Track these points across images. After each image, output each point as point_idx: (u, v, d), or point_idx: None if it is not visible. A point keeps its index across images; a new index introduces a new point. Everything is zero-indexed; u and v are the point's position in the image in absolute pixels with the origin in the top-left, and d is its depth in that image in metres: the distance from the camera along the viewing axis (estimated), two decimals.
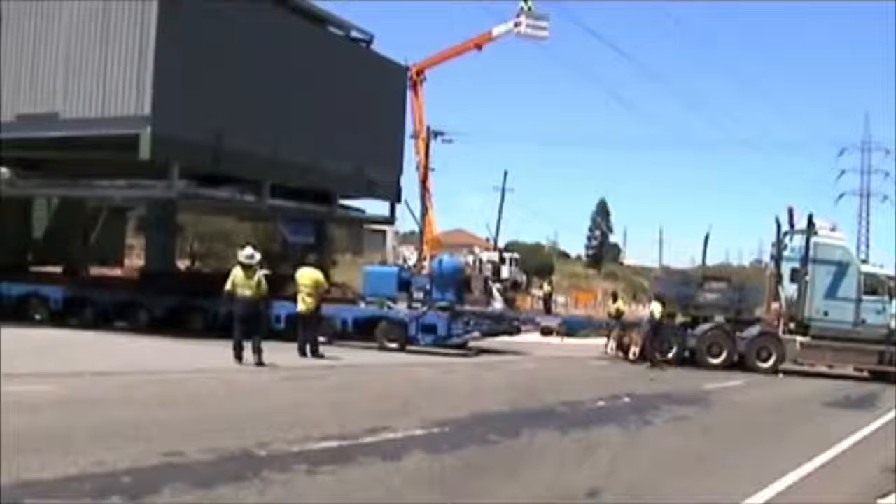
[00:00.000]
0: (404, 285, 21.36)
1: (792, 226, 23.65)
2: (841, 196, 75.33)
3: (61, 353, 14.92)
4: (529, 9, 39.15)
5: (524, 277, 51.57)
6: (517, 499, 6.70)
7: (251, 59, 19.84)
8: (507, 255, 51.42)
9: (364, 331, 20.26)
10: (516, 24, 39.42)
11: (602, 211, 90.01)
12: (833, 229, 23.72)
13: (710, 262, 30.01)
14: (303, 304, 16.34)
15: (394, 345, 19.81)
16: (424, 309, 20.29)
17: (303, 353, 16.12)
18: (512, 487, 6.97)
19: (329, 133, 22.30)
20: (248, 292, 14.47)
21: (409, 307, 20.62)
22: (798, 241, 23.11)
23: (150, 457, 6.69)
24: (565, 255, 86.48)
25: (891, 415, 14.47)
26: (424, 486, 6.70)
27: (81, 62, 18.50)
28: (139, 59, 17.75)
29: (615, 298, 26.81)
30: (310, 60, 21.77)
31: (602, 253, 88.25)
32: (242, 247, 15.54)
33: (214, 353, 16.15)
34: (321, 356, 16.27)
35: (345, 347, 18.98)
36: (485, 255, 48.43)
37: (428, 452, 7.86)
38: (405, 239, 56.52)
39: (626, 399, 13.94)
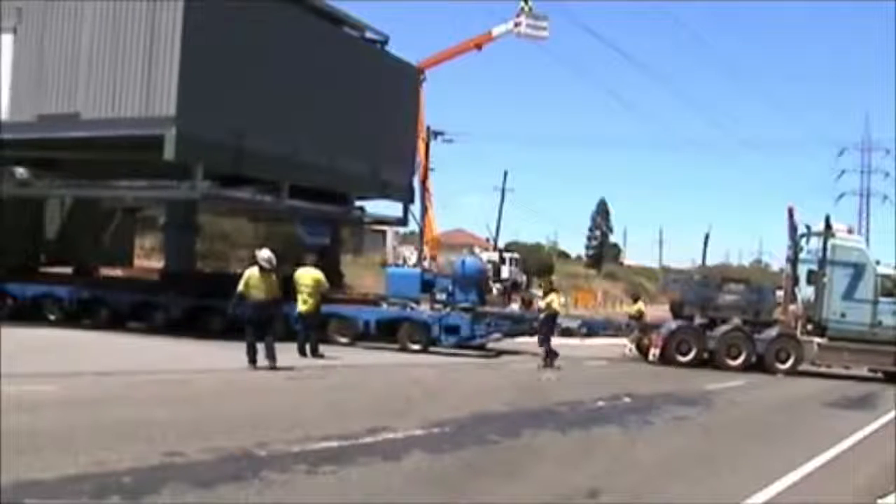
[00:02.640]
0: (427, 286, 21.26)
1: (793, 227, 23.68)
2: (841, 196, 75.39)
3: (63, 352, 14.92)
4: (529, 9, 39.18)
5: (524, 277, 51.56)
6: (517, 499, 6.70)
7: (272, 59, 19.70)
8: (507, 255, 51.40)
9: (387, 332, 20.08)
10: (516, 24, 39.42)
11: (602, 211, 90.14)
12: (850, 231, 23.79)
13: (710, 262, 30.01)
14: (304, 305, 16.31)
15: (417, 346, 19.65)
16: (447, 310, 20.19)
17: (303, 352, 16.11)
18: (512, 487, 6.97)
19: (345, 134, 22.19)
20: (261, 295, 14.15)
21: (432, 308, 20.55)
22: (814, 242, 23.13)
23: (150, 457, 6.69)
24: (565, 255, 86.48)
25: (891, 415, 14.46)
26: (424, 486, 6.70)
27: (104, 62, 18.31)
28: (163, 60, 17.56)
29: (636, 300, 26.65)
30: (327, 61, 21.66)
31: (602, 253, 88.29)
32: (260, 248, 15.02)
33: (217, 354, 16.18)
34: (321, 356, 16.25)
35: (346, 347, 18.97)
36: (485, 256, 48.40)
37: (428, 452, 7.87)
38: (405, 239, 56.49)
39: (627, 399, 13.93)
